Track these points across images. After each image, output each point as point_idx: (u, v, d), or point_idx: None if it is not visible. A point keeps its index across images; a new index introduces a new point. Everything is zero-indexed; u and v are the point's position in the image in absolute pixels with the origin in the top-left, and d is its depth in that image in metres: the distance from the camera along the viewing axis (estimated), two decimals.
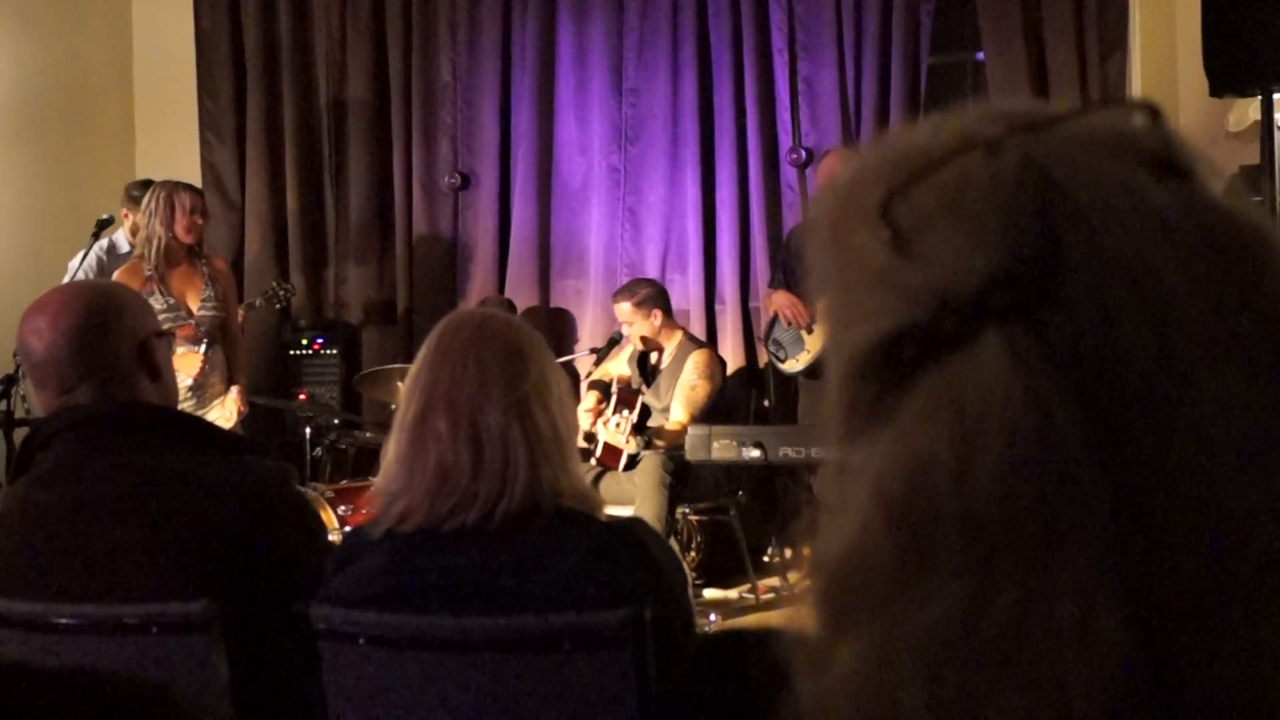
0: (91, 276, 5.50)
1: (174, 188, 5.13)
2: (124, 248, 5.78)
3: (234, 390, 5.20)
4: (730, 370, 6.37)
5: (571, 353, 6.43)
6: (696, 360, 5.62)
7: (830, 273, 0.58)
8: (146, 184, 5.96)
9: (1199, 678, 0.50)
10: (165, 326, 4.79)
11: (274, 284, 6.35)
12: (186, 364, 4.98)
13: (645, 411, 5.59)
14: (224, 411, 5.13)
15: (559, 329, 6.70)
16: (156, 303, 4.93)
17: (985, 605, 0.49)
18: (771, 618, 5.06)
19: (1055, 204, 0.52)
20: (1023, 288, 0.52)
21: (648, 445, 5.43)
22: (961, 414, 0.51)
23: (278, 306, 6.39)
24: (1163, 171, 0.54)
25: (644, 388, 5.67)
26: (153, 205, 5.07)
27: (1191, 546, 0.50)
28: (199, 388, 5.09)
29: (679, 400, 5.56)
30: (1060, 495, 0.49)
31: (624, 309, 5.66)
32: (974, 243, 0.53)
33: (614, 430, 5.43)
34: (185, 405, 4.94)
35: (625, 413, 5.47)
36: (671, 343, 5.73)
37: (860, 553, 0.52)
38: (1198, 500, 0.50)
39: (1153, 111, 0.56)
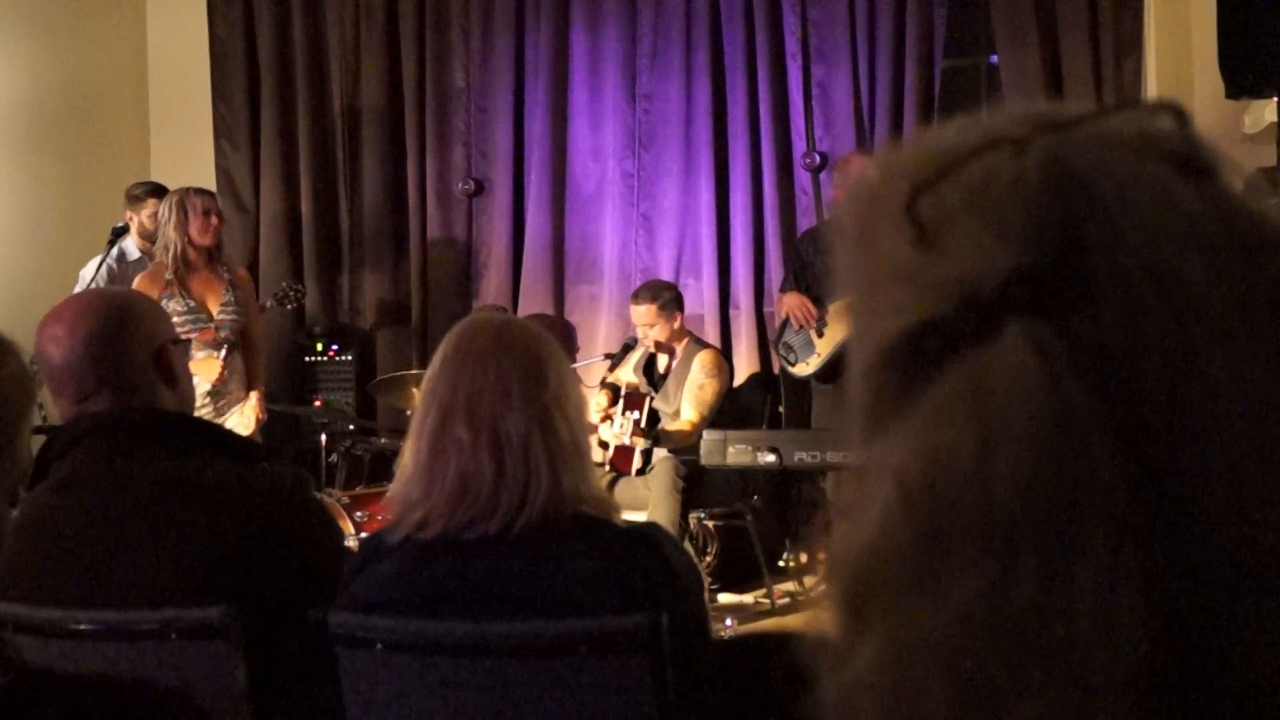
0: (103, 285, 5.53)
1: (185, 193, 5.16)
2: (133, 254, 5.79)
3: (253, 397, 5.22)
4: (745, 375, 6.37)
5: (585, 358, 6.43)
6: (703, 360, 5.63)
7: (855, 269, 0.59)
8: (146, 184, 5.99)
9: (1221, 665, 0.50)
10: (185, 330, 4.84)
11: (284, 285, 6.35)
12: (206, 369, 5.01)
13: (654, 416, 5.59)
14: (243, 419, 5.15)
15: (573, 335, 6.70)
16: (177, 305, 4.97)
17: (1005, 594, 0.50)
18: (788, 622, 5.06)
19: (1080, 200, 0.53)
20: (1046, 282, 0.52)
21: (656, 443, 5.43)
22: (983, 405, 0.51)
23: (289, 307, 6.38)
24: (1188, 171, 0.55)
25: (653, 393, 5.67)
26: (165, 213, 5.12)
27: (1212, 538, 0.50)
28: (218, 394, 5.11)
29: (688, 401, 5.57)
30: (1080, 486, 0.50)
31: (647, 311, 5.63)
32: (998, 238, 0.53)
33: (618, 430, 5.44)
34: (204, 411, 4.97)
35: (629, 413, 5.47)
36: (680, 346, 5.75)
37: (881, 545, 0.53)
38: (1218, 493, 0.50)
39: (1178, 113, 0.56)
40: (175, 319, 4.85)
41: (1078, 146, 0.55)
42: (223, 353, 5.09)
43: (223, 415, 5.09)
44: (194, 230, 5.09)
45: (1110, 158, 0.54)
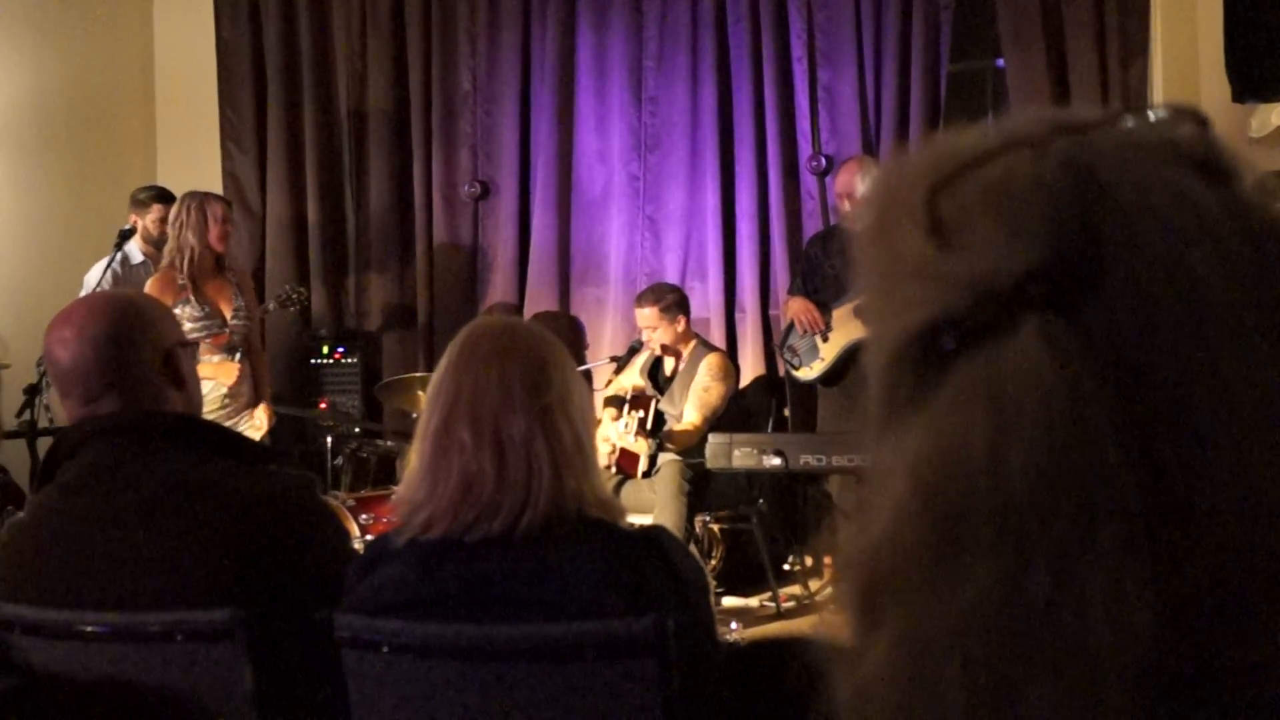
0: (107, 288, 5.54)
1: (204, 198, 5.18)
2: (136, 258, 5.80)
3: (262, 405, 5.25)
4: (750, 378, 6.37)
5: (591, 361, 6.43)
6: (710, 363, 5.63)
7: (873, 265, 0.60)
8: (152, 189, 6.00)
9: (1229, 659, 0.50)
10: (201, 335, 4.87)
11: (286, 287, 6.36)
12: (225, 371, 5.04)
13: (660, 418, 5.59)
14: (254, 423, 5.18)
15: (579, 337, 6.71)
16: (193, 310, 4.99)
17: (1017, 588, 0.50)
18: (794, 625, 5.06)
19: (1096, 200, 0.53)
20: (1061, 279, 0.53)
21: (660, 447, 5.43)
22: (997, 400, 0.52)
23: (292, 309, 6.40)
24: (1207, 174, 0.55)
25: (658, 396, 5.67)
26: (184, 216, 5.12)
27: (1221, 534, 0.51)
28: (235, 395, 5.14)
29: (692, 403, 5.57)
30: (1091, 480, 0.50)
31: (650, 314, 5.64)
32: (1015, 236, 0.54)
33: (622, 431, 5.44)
34: (219, 414, 5.00)
35: (634, 412, 5.46)
36: (686, 349, 5.74)
37: (895, 539, 0.53)
38: (1227, 488, 0.51)
39: (1199, 118, 0.57)
40: (190, 324, 4.88)
41: (1096, 148, 0.55)
42: (238, 356, 5.12)
43: (236, 419, 5.12)
44: (213, 236, 5.11)
45: (1128, 160, 0.55)
